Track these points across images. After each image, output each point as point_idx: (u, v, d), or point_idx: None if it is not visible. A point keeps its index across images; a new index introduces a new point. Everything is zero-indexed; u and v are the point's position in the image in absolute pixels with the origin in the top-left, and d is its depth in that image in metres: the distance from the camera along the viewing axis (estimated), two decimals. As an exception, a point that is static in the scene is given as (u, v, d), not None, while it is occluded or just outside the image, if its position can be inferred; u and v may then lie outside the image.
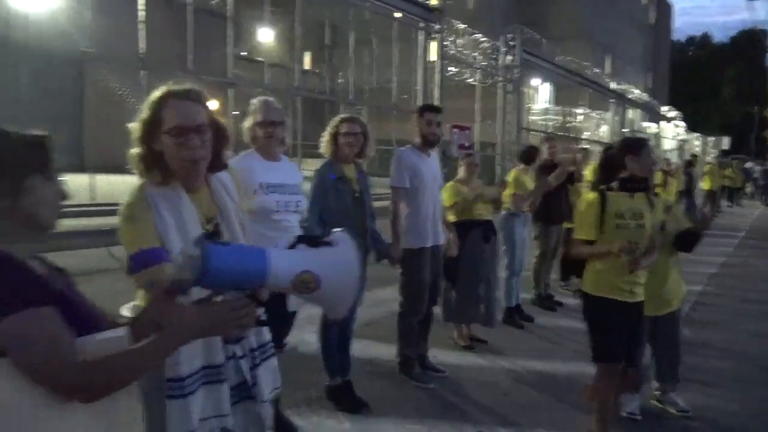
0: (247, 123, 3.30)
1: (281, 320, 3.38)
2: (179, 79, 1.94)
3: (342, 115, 3.92)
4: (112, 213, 1.98)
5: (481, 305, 5.04)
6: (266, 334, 2.05)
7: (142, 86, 8.22)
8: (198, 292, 1.44)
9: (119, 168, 1.76)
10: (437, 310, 4.78)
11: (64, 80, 10.67)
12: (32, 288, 1.28)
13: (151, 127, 1.81)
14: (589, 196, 3.40)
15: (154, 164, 1.83)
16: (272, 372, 2.09)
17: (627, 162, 3.33)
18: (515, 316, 6.00)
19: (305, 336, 4.88)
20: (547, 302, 6.62)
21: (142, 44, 9.34)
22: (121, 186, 2.26)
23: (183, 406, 1.81)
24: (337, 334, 3.91)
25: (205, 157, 1.86)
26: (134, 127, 1.84)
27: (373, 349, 4.87)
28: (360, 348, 4.41)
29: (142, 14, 9.55)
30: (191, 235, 1.77)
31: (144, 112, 1.84)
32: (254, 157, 3.28)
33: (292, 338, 3.61)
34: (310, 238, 1.56)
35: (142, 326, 1.47)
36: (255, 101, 3.31)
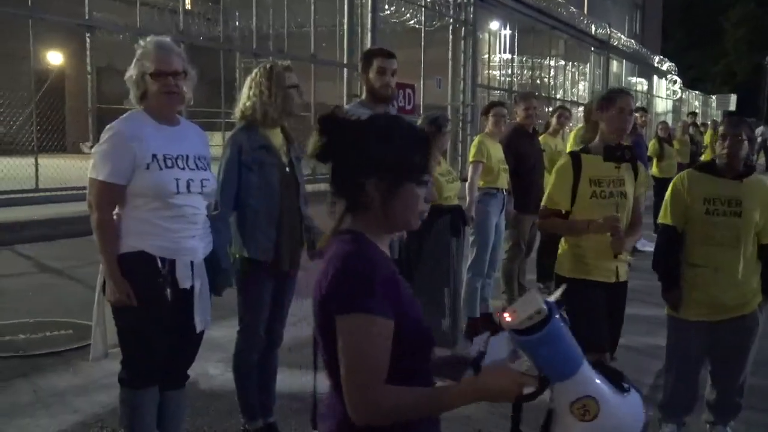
0: (133, 73, 3.17)
1: (187, 342, 3.37)
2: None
3: (268, 63, 3.82)
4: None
5: (445, 319, 4.97)
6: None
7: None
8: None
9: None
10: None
11: None
12: (380, 292, 1.66)
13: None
14: (562, 159, 3.72)
15: None
16: None
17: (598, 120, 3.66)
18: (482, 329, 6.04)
19: (209, 368, 4.83)
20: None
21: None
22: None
23: None
24: (256, 365, 3.91)
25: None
26: None
27: (299, 379, 4.79)
28: (282, 379, 4.35)
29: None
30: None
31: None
32: (144, 119, 3.17)
33: (192, 370, 3.55)
34: (612, 372, 1.85)
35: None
36: (145, 43, 3.18)
